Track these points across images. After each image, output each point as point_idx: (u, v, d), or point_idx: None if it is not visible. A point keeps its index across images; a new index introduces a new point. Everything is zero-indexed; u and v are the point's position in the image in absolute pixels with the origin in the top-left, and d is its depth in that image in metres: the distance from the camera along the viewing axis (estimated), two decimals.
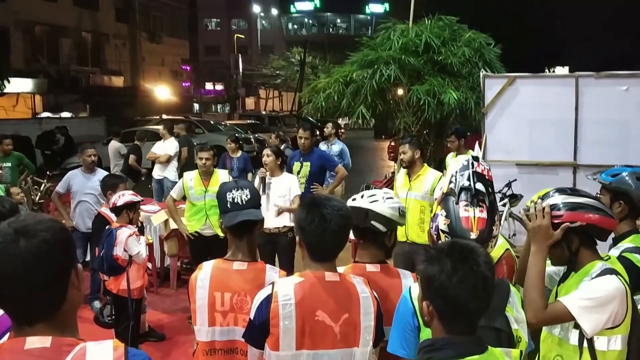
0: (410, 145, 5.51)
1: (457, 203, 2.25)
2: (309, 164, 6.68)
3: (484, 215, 2.21)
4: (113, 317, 5.02)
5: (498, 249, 2.69)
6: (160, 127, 11.01)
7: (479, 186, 2.27)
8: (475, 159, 2.37)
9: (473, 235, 2.17)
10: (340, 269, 2.39)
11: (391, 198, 2.56)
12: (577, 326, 2.32)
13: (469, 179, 2.28)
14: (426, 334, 2.07)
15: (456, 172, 2.33)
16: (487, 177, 2.32)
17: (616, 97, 6.89)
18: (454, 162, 2.41)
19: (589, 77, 7.07)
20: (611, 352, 2.31)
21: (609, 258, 2.44)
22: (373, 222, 2.49)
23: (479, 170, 2.31)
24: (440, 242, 2.28)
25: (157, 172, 10.33)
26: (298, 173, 6.60)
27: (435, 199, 2.47)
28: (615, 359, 2.32)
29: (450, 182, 2.32)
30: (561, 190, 2.42)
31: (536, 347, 2.53)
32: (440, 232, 2.26)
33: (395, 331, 2.18)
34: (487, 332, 2.00)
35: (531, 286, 2.34)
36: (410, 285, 2.47)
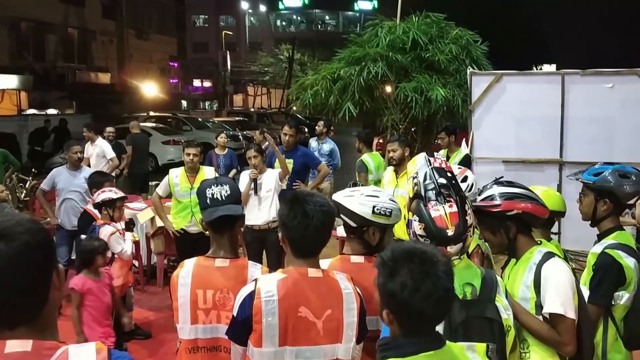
0: (400, 143, 5.56)
1: (425, 205, 2.25)
2: (292, 161, 6.60)
3: (454, 209, 2.23)
4: None
5: (471, 244, 2.77)
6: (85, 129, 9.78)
7: (442, 181, 2.29)
8: (430, 154, 2.41)
9: (450, 232, 2.19)
10: (327, 261, 2.38)
11: (373, 196, 2.52)
12: (539, 311, 2.42)
13: (430, 177, 2.30)
14: None
15: (417, 174, 2.35)
16: (446, 169, 2.34)
17: (602, 94, 6.93)
18: (412, 164, 2.43)
19: (575, 74, 7.10)
20: None
21: (541, 242, 2.57)
22: (342, 216, 2.51)
23: (436, 164, 2.34)
24: (405, 245, 2.29)
25: None
26: None
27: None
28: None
29: (415, 184, 2.33)
30: (498, 183, 2.57)
31: None
32: (418, 237, 2.27)
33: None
34: (479, 322, 2.03)
35: (533, 325, 2.42)
36: None
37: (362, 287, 2.30)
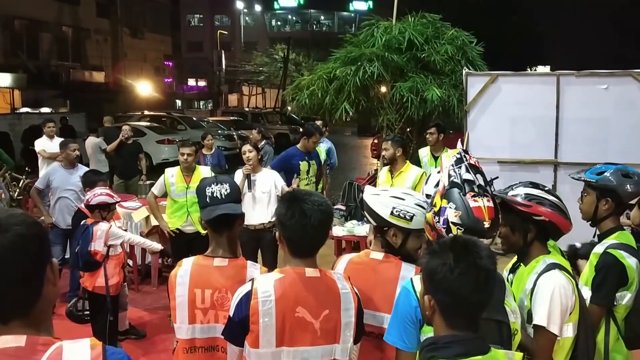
0: (392, 143, 5.58)
1: (464, 194, 2.24)
2: (314, 162, 6.69)
3: (492, 204, 2.23)
4: (87, 312, 4.95)
5: None
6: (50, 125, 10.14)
7: (479, 177, 2.29)
8: (465, 151, 2.39)
9: (486, 224, 2.18)
10: (348, 256, 2.48)
11: (398, 198, 2.49)
12: (530, 320, 2.41)
13: (468, 171, 2.30)
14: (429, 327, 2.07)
15: (453, 166, 2.33)
16: (479, 168, 2.34)
17: (596, 95, 6.97)
18: (447, 157, 2.41)
19: (570, 75, 7.14)
20: (565, 339, 2.42)
21: (550, 252, 2.54)
22: (365, 213, 2.55)
23: (472, 162, 2.34)
24: (451, 235, 2.26)
25: None
26: (307, 172, 6.54)
27: (426, 194, 2.49)
28: (570, 344, 2.44)
29: (450, 175, 2.31)
30: (535, 185, 2.52)
31: None
32: (451, 224, 2.22)
33: (395, 323, 2.17)
34: (488, 324, 2.00)
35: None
36: (410, 276, 2.43)
37: (378, 282, 2.35)
